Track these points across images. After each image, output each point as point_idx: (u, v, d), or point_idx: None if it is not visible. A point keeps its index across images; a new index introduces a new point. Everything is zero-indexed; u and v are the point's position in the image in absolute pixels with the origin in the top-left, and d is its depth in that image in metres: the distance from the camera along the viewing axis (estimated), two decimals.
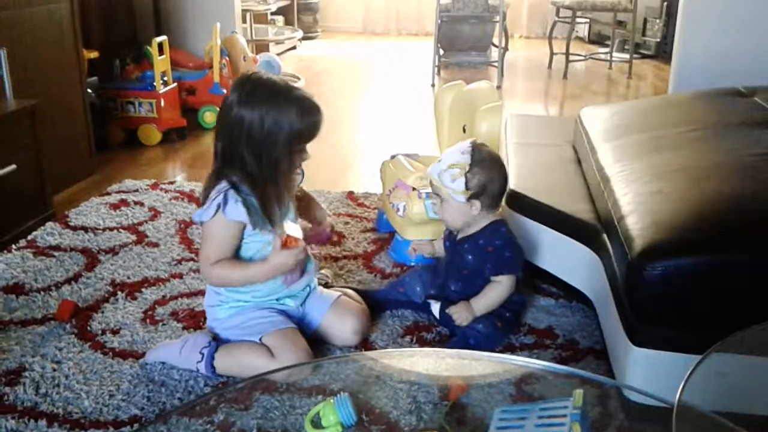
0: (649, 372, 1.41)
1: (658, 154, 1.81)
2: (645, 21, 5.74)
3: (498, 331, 1.77)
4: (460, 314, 1.76)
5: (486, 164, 1.73)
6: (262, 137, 1.53)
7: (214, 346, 1.63)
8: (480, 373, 1.48)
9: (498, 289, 1.78)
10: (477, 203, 1.73)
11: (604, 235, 1.75)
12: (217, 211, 1.55)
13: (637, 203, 1.56)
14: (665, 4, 5.48)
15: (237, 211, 1.56)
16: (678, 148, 1.82)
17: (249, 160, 1.55)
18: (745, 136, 1.84)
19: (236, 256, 1.64)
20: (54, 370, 1.64)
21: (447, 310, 1.79)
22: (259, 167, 1.55)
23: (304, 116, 1.55)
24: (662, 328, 1.40)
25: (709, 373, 0.90)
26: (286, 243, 1.59)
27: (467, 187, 1.71)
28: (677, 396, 0.82)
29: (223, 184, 1.56)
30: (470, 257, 1.80)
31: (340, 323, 1.73)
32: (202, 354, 1.61)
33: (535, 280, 2.03)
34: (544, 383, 1.45)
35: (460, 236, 1.83)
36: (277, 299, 1.70)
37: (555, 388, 1.41)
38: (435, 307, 1.85)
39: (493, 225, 1.79)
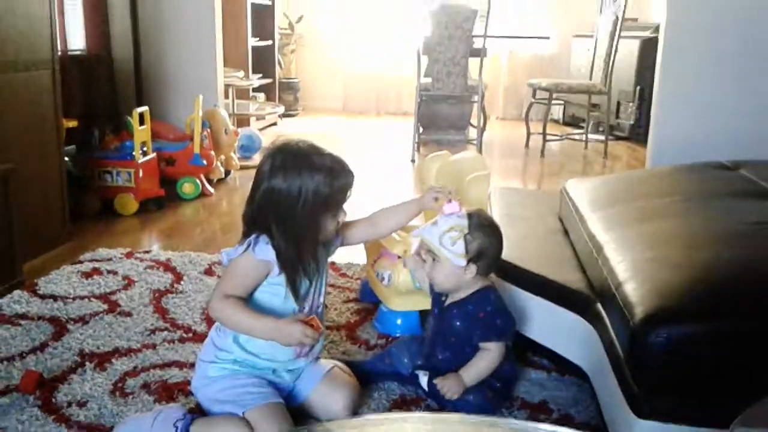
0: None
1: (649, 222, 1.79)
2: (618, 104, 5.90)
3: (489, 403, 1.68)
4: (450, 387, 1.68)
5: (486, 230, 1.69)
6: (289, 207, 1.50)
7: (189, 419, 1.52)
8: None
9: (487, 357, 1.71)
10: (473, 267, 1.68)
11: (599, 305, 1.70)
12: (246, 249, 1.52)
13: (634, 270, 1.52)
14: (638, 88, 5.65)
15: (266, 251, 1.51)
16: (669, 217, 1.80)
17: (274, 228, 1.51)
18: (735, 206, 1.83)
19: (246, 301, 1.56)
20: None
21: (435, 382, 1.71)
22: (285, 238, 1.51)
23: (331, 183, 1.52)
24: (667, 399, 1.33)
25: None
26: (310, 322, 1.50)
27: (466, 251, 1.66)
28: None
29: (252, 236, 1.54)
30: (458, 323, 1.73)
31: (330, 397, 1.63)
32: (176, 427, 1.50)
33: (526, 352, 1.96)
34: None
35: (448, 302, 1.76)
36: (274, 371, 1.61)
37: None
38: (423, 380, 1.77)
39: (483, 291, 1.73)
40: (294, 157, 1.53)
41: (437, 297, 1.80)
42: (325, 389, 1.63)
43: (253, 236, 1.53)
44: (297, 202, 1.50)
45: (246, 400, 1.52)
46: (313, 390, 1.63)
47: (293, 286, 1.55)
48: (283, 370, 1.62)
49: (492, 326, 1.71)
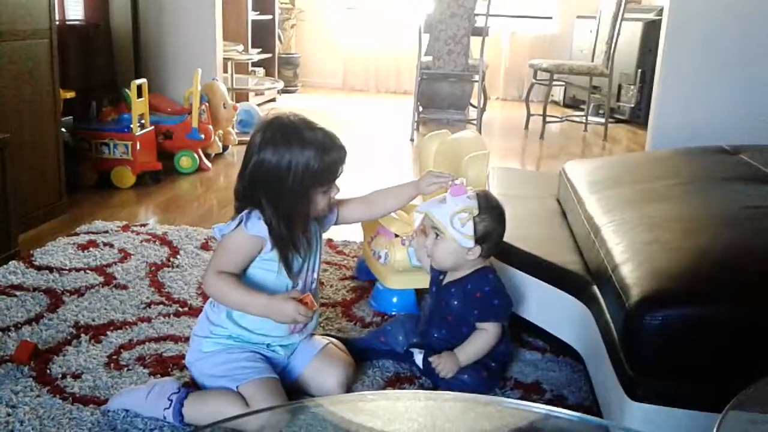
0: (647, 429, 1.34)
1: (648, 204, 1.78)
2: (620, 87, 5.87)
3: (484, 382, 1.69)
4: (444, 365, 1.69)
5: (494, 213, 1.69)
6: (280, 181, 1.50)
7: (184, 393, 1.52)
8: (475, 414, 1.39)
9: (484, 337, 1.71)
10: (477, 249, 1.67)
11: (595, 287, 1.70)
12: (239, 224, 1.51)
13: (632, 252, 1.52)
14: (640, 71, 5.62)
15: (258, 226, 1.51)
16: (669, 200, 1.79)
17: (265, 203, 1.50)
18: (735, 190, 1.83)
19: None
20: (8, 414, 1.51)
21: (430, 360, 1.71)
22: (275, 213, 1.50)
23: (322, 157, 1.50)
24: (661, 382, 1.34)
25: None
26: (303, 300, 1.50)
27: (474, 232, 1.65)
28: None
29: (244, 212, 1.53)
30: (456, 302, 1.73)
31: (324, 374, 1.63)
32: (171, 400, 1.50)
33: (520, 332, 1.97)
34: None
35: (446, 281, 1.76)
36: (268, 345, 1.61)
37: None
38: (418, 357, 1.77)
39: (482, 271, 1.73)
40: (285, 131, 1.51)
41: (435, 275, 1.80)
42: (320, 365, 1.63)
43: (245, 212, 1.52)
44: (287, 176, 1.49)
45: (240, 375, 1.52)
46: (307, 366, 1.63)
47: (286, 261, 1.55)
48: (278, 345, 1.62)
49: (489, 307, 1.71)
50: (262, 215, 1.51)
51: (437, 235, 1.68)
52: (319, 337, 1.75)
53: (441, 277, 1.78)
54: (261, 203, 1.51)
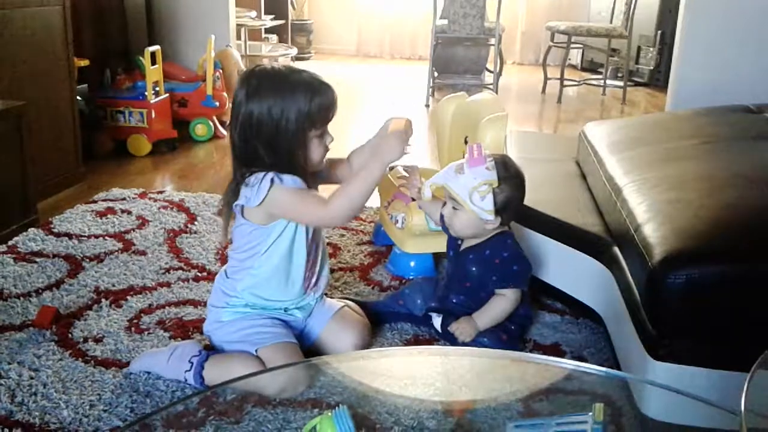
0: (670, 386, 1.32)
1: (671, 164, 1.75)
2: (639, 49, 5.76)
3: (503, 345, 1.68)
4: (463, 330, 1.68)
5: (514, 182, 1.65)
6: (274, 129, 1.46)
7: (205, 356, 1.53)
8: (493, 377, 1.39)
9: (502, 302, 1.70)
10: (497, 220, 1.64)
11: (616, 248, 1.68)
12: (272, 185, 1.45)
13: (654, 212, 1.49)
14: (659, 32, 5.50)
15: (295, 181, 1.48)
16: (692, 159, 1.76)
17: (264, 155, 1.47)
18: (760, 149, 1.79)
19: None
20: (31, 378, 1.53)
21: (449, 327, 1.70)
22: (277, 161, 1.47)
23: (312, 98, 1.46)
24: (684, 341, 1.32)
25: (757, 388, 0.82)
26: (399, 127, 1.48)
27: (494, 204, 1.61)
28: (742, 407, 0.74)
29: (261, 172, 1.47)
30: (474, 269, 1.72)
31: (340, 335, 1.63)
32: (191, 363, 1.51)
33: (540, 295, 1.95)
34: (554, 400, 1.37)
35: (464, 246, 1.75)
36: (285, 309, 1.61)
37: (567, 406, 1.33)
38: (436, 321, 1.77)
39: (500, 236, 1.71)
40: (270, 78, 1.48)
41: (453, 240, 1.78)
42: (336, 327, 1.64)
43: (269, 173, 1.47)
44: (280, 122, 1.45)
45: (259, 339, 1.53)
46: (324, 329, 1.64)
47: None
48: (294, 307, 1.62)
49: (509, 273, 1.69)
50: (265, 171, 1.47)
51: (454, 207, 1.66)
52: (336, 300, 1.75)
53: (459, 242, 1.76)
54: (261, 157, 1.47)
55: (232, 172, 1.54)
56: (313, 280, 1.63)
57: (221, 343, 1.59)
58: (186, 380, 1.52)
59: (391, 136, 1.48)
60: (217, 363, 1.53)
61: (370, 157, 1.50)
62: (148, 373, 1.55)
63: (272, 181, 1.46)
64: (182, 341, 1.64)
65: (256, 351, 1.52)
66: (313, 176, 1.58)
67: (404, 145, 1.47)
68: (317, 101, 1.48)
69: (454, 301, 1.76)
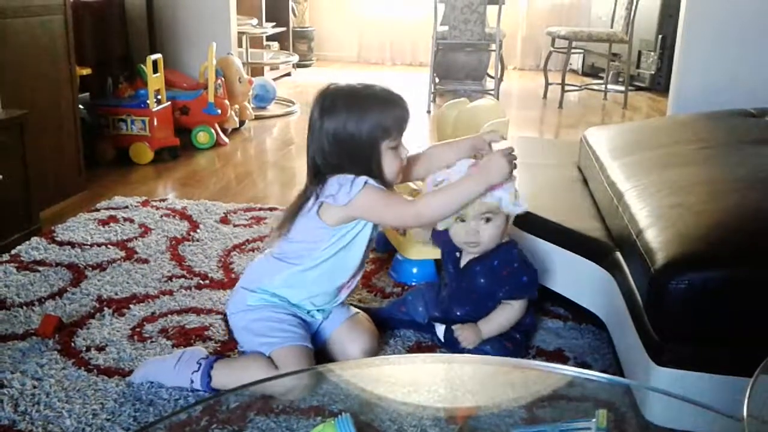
0: (673, 392, 1.32)
1: (672, 169, 1.75)
2: (639, 54, 5.77)
3: (507, 354, 1.68)
4: (467, 336, 1.68)
5: None
6: (351, 143, 1.49)
7: (213, 359, 1.54)
8: (496, 383, 1.39)
9: (508, 312, 1.70)
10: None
11: (618, 253, 1.68)
12: (364, 184, 1.47)
13: (656, 217, 1.49)
14: (660, 36, 5.51)
15: (380, 184, 1.51)
16: (693, 164, 1.76)
17: (349, 168, 1.50)
18: (761, 153, 1.79)
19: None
20: (34, 387, 1.53)
21: (453, 328, 1.70)
22: (358, 173, 1.49)
23: (385, 111, 1.50)
24: (687, 346, 1.32)
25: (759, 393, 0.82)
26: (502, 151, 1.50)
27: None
28: (744, 414, 0.74)
29: (347, 175, 1.50)
30: (482, 280, 1.71)
31: (351, 339, 1.63)
32: (200, 364, 1.52)
33: (542, 301, 1.95)
34: (557, 407, 1.37)
35: (467, 258, 1.73)
36: (308, 311, 1.62)
37: (570, 412, 1.32)
38: (440, 330, 1.76)
39: (506, 246, 1.71)
40: (345, 96, 1.51)
41: (451, 254, 1.77)
42: (347, 330, 1.64)
43: (350, 176, 1.49)
44: (357, 137, 1.48)
45: (277, 338, 1.53)
46: (336, 330, 1.65)
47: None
48: (318, 309, 1.63)
49: (519, 284, 1.69)
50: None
51: (488, 219, 1.64)
52: (352, 306, 1.76)
53: (458, 255, 1.75)
54: (344, 170, 1.50)
55: (304, 189, 1.57)
56: (351, 284, 1.65)
57: (240, 329, 1.60)
58: (192, 382, 1.51)
59: (501, 156, 1.50)
60: (225, 365, 1.54)
61: (477, 173, 1.51)
62: (151, 382, 1.55)
63: (366, 182, 1.48)
64: (189, 348, 1.64)
65: (270, 351, 1.52)
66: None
67: (512, 167, 1.49)
68: (391, 113, 1.51)
69: (458, 313, 1.74)
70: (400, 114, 1.52)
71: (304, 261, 1.57)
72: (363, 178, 1.48)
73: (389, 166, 1.53)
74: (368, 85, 1.55)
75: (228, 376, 1.50)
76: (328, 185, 1.50)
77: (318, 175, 1.54)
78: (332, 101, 1.51)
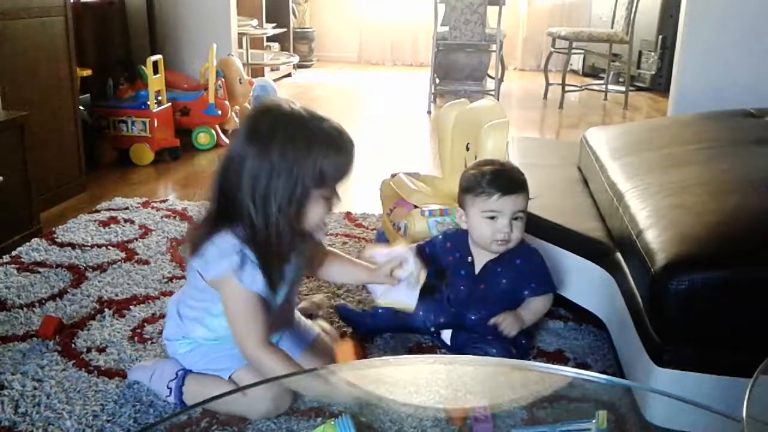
0: (673, 393, 1.32)
1: (672, 169, 1.75)
2: (640, 54, 5.77)
3: (512, 357, 1.67)
4: (509, 324, 1.66)
5: None
6: (274, 183, 1.25)
7: (182, 378, 1.48)
8: (497, 384, 1.38)
9: (544, 301, 1.74)
10: None
11: (618, 254, 1.67)
12: (233, 274, 1.28)
13: (656, 217, 1.49)
14: (661, 37, 5.51)
15: (255, 281, 1.30)
16: (693, 164, 1.76)
17: (253, 212, 1.27)
18: (762, 153, 1.78)
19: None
20: (35, 388, 1.53)
21: (492, 320, 1.67)
22: (265, 222, 1.27)
23: (330, 155, 1.27)
24: (687, 347, 1.32)
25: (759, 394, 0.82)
26: (343, 352, 1.41)
27: None
28: (744, 415, 0.74)
29: (234, 241, 1.29)
30: (505, 281, 1.71)
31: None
32: (170, 389, 1.48)
33: None
34: (557, 408, 1.37)
35: (485, 261, 1.73)
36: None
37: (570, 413, 1.32)
38: (446, 335, 1.75)
39: (523, 245, 1.72)
40: (284, 124, 1.27)
41: (462, 259, 1.76)
42: (306, 363, 1.50)
43: (237, 256, 1.29)
44: (287, 179, 1.24)
45: (228, 365, 1.44)
46: (298, 359, 1.48)
47: (271, 285, 1.34)
48: None
49: (545, 278, 1.73)
50: (245, 229, 1.29)
51: (517, 218, 1.67)
52: (310, 323, 1.65)
53: (470, 260, 1.75)
54: (245, 212, 1.27)
55: (207, 213, 1.36)
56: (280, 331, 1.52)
57: (191, 367, 1.49)
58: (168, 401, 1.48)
59: (341, 385, 1.26)
60: (195, 385, 1.46)
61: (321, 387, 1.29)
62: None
63: (234, 272, 1.29)
64: (162, 360, 1.57)
65: (229, 377, 1.43)
66: (307, 237, 1.40)
67: (349, 387, 1.28)
68: (334, 158, 1.28)
69: (473, 318, 1.72)
70: (345, 162, 1.30)
71: (205, 320, 1.45)
72: (233, 264, 1.27)
73: (314, 215, 1.32)
74: (317, 116, 1.30)
75: (201, 395, 1.41)
76: (208, 248, 1.31)
77: (222, 213, 1.31)
78: (267, 125, 1.27)
